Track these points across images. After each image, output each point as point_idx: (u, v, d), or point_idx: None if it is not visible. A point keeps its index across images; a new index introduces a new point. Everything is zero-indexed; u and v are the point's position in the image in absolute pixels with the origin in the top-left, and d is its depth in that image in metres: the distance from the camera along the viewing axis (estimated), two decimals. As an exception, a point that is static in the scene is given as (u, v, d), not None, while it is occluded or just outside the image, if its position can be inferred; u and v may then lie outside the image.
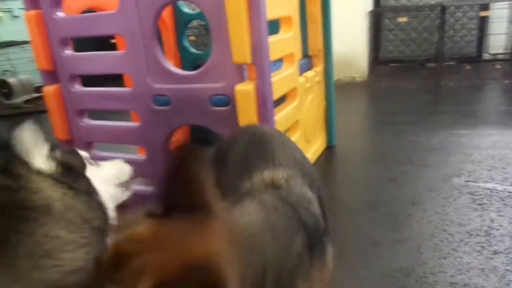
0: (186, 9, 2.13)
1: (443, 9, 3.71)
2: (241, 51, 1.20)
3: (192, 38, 2.32)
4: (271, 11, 1.29)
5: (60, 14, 1.47)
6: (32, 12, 1.47)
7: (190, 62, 2.25)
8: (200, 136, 2.35)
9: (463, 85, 3.47)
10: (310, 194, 0.71)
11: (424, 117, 2.68)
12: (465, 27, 4.29)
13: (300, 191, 0.70)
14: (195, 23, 3.37)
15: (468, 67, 4.12)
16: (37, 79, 4.10)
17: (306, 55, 1.97)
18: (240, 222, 0.58)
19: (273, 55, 1.32)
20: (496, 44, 4.11)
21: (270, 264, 0.55)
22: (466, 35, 4.30)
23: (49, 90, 1.55)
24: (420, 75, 4.03)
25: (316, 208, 0.70)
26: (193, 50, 2.25)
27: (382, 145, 2.30)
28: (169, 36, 2.12)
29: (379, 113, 3.02)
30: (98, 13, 1.52)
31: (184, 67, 2.22)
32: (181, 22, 2.20)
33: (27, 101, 3.91)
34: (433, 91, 3.41)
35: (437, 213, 1.47)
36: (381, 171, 1.95)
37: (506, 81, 3.50)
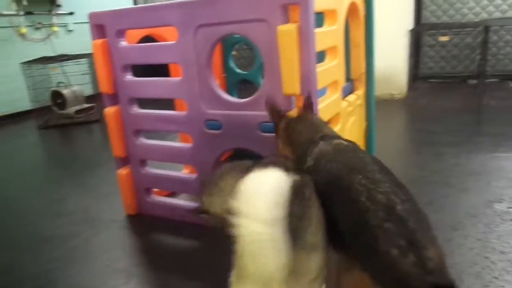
0: (233, 33, 2.22)
1: (487, 27, 3.65)
2: (291, 83, 1.27)
3: (234, 53, 2.43)
4: (320, 44, 1.36)
5: (123, 43, 1.61)
6: (99, 41, 1.60)
7: (235, 82, 2.35)
8: (242, 152, 2.44)
9: (507, 104, 3.39)
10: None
11: (465, 138, 2.63)
12: (509, 45, 4.20)
13: None
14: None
15: (512, 84, 4.04)
16: (87, 90, 4.35)
17: (348, 78, 2.02)
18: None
19: (320, 84, 1.39)
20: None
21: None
22: (510, 52, 4.21)
23: (110, 111, 1.69)
24: (461, 93, 3.97)
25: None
26: (238, 70, 2.35)
27: (420, 167, 2.28)
28: (215, 57, 2.23)
29: (418, 132, 3.00)
30: (159, 44, 1.63)
31: (228, 87, 2.33)
32: (228, 44, 2.31)
33: (78, 111, 4.12)
34: (475, 110, 3.35)
35: (478, 239, 1.47)
36: (418, 194, 1.90)
37: (553, 101, 3.41)
